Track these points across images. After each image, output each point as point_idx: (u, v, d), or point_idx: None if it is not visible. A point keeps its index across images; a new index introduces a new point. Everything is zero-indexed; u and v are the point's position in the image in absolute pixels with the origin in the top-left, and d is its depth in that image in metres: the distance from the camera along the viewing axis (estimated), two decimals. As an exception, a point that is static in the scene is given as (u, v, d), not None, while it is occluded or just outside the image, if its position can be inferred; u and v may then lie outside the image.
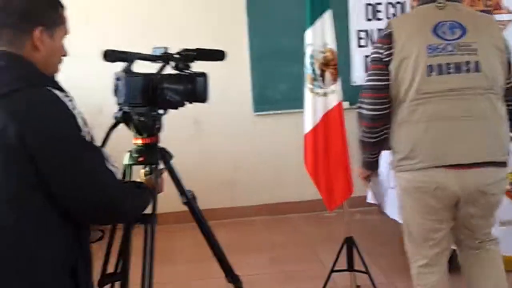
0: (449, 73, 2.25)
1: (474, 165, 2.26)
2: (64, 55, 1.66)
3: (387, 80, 2.31)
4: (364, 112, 2.39)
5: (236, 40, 4.79)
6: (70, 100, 1.51)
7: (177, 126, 4.90)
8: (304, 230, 4.63)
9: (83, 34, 4.19)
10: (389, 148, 2.49)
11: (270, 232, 4.64)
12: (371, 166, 2.63)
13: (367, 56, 4.92)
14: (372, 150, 2.52)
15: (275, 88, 4.91)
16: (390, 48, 2.30)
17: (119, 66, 1.89)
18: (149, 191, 1.85)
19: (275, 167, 4.98)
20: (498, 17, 4.97)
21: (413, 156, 2.30)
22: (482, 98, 2.27)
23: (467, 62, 2.25)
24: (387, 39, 2.32)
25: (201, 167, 4.90)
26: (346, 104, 4.74)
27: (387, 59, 2.30)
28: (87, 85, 4.17)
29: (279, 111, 4.93)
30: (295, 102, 4.34)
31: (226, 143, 4.94)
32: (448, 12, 2.32)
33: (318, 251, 4.08)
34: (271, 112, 4.96)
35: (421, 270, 2.47)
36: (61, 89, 1.52)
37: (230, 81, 4.85)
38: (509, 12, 5.01)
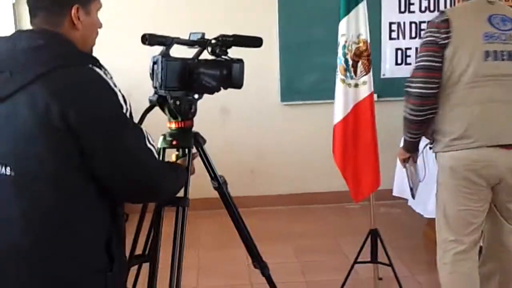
0: (503, 59, 2.41)
1: None
2: (100, 27, 1.67)
3: (441, 62, 2.42)
4: (414, 90, 2.46)
5: (266, 29, 4.75)
6: (111, 78, 1.53)
7: (203, 113, 4.97)
8: (328, 221, 4.63)
9: (114, 17, 4.22)
10: (431, 133, 2.59)
11: (294, 222, 4.65)
12: (412, 147, 2.73)
13: (398, 49, 4.89)
14: (416, 129, 2.58)
15: (304, 78, 4.89)
16: (447, 33, 2.41)
17: (150, 50, 1.90)
18: (184, 172, 1.86)
19: (301, 157, 4.97)
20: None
21: (468, 136, 2.42)
22: None
23: None
24: (444, 23, 2.43)
25: (227, 157, 4.91)
26: (375, 97, 4.80)
27: (443, 42, 2.42)
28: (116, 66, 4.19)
29: (307, 102, 4.91)
30: (323, 93, 4.36)
31: (252, 132, 4.95)
32: (497, 7, 2.51)
33: (341, 243, 4.08)
34: (298, 102, 4.95)
35: (457, 257, 2.53)
36: (101, 67, 1.54)
37: (259, 70, 4.80)
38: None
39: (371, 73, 3.16)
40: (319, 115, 4.60)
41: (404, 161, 2.85)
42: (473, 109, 2.41)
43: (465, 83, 2.40)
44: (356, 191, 3.21)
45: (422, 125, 2.55)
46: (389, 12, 4.84)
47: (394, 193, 3.86)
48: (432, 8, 4.85)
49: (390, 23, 4.87)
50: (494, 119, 2.42)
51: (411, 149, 2.74)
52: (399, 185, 3.79)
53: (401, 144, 2.84)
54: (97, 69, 1.51)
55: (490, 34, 2.41)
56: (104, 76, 1.51)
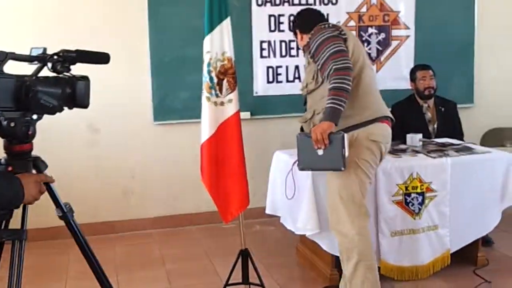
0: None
1: None
2: None
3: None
4: (344, 65, 2.79)
5: (137, 48, 4.64)
6: None
7: (71, 133, 4.75)
8: (202, 242, 4.52)
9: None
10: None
11: (167, 245, 4.49)
12: (339, 116, 2.78)
13: (269, 67, 4.94)
14: (347, 98, 2.78)
15: (176, 97, 4.77)
16: (342, 30, 3.02)
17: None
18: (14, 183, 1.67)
19: (173, 178, 4.85)
20: (395, 32, 5.16)
21: None
22: None
23: None
24: (337, 25, 3.11)
25: (96, 178, 4.69)
26: (247, 115, 4.81)
27: (343, 37, 3.00)
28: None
29: (180, 121, 4.80)
30: (196, 111, 4.26)
31: (124, 152, 4.75)
32: None
33: (216, 264, 3.99)
34: (172, 121, 4.82)
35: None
36: None
37: (131, 88, 4.69)
38: (406, 27, 5.19)
39: (236, 90, 3.13)
40: (193, 134, 4.48)
41: (327, 138, 2.77)
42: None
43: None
44: (225, 211, 3.15)
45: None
46: (260, 30, 4.88)
47: (267, 211, 3.83)
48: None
49: (261, 42, 4.90)
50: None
51: (338, 119, 2.79)
52: (272, 203, 3.78)
53: (324, 122, 2.77)
54: None
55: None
56: None
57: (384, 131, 3.06)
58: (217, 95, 3.09)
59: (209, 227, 4.71)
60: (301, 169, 2.93)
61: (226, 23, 3.11)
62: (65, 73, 1.83)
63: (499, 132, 4.97)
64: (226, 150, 3.10)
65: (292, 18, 3.39)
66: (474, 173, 3.61)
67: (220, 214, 3.15)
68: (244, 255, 3.16)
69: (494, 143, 4.74)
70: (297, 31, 3.31)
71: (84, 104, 1.87)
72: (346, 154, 2.78)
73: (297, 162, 2.94)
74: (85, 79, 1.86)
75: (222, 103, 3.10)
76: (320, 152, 2.78)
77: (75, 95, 1.83)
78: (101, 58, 1.91)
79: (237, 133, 3.12)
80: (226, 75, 3.10)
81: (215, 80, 3.08)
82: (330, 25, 3.04)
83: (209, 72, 3.08)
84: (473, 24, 5.34)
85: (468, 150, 3.75)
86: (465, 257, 3.77)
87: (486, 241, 4.06)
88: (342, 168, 2.79)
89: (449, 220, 3.56)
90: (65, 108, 1.84)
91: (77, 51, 1.84)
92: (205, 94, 3.10)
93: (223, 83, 3.10)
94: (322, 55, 2.88)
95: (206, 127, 3.09)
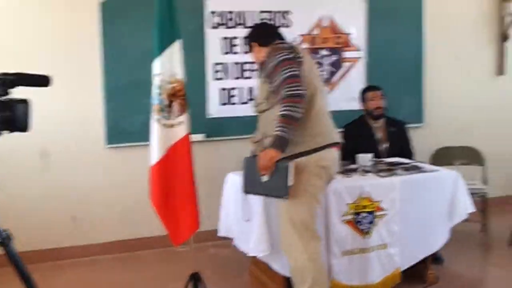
0: None
1: None
2: None
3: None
4: (297, 92, 2.75)
5: (90, 71, 4.58)
6: None
7: (21, 158, 4.65)
8: (156, 266, 4.46)
9: None
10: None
11: (120, 271, 4.40)
12: (286, 146, 2.78)
13: (223, 89, 4.96)
14: (296, 126, 2.78)
15: (130, 120, 4.73)
16: (299, 53, 2.96)
17: None
18: None
19: (126, 201, 4.78)
20: (347, 54, 5.26)
21: None
22: None
23: None
24: (294, 48, 2.99)
25: (46, 203, 4.59)
26: (201, 137, 4.81)
27: (300, 60, 2.95)
28: None
29: (134, 144, 4.75)
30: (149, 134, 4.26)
31: (75, 176, 4.66)
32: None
33: (170, 288, 3.94)
34: (125, 144, 4.77)
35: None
36: None
37: (83, 112, 4.62)
38: (357, 49, 5.30)
39: (187, 113, 3.13)
40: (146, 157, 4.47)
41: (273, 166, 2.80)
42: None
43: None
44: (175, 235, 3.13)
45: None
46: (213, 53, 4.90)
47: (220, 233, 3.81)
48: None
49: (215, 64, 4.92)
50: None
51: (286, 147, 2.78)
52: (225, 224, 3.77)
53: (271, 150, 2.77)
54: None
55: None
56: None
57: (334, 156, 3.08)
58: (167, 118, 3.08)
59: (162, 251, 4.64)
60: (245, 192, 2.96)
61: (177, 46, 3.13)
62: (3, 97, 1.81)
63: (447, 151, 5.09)
64: (176, 173, 3.09)
65: (247, 30, 3.31)
66: (422, 191, 3.68)
67: (170, 237, 3.13)
68: (195, 278, 3.13)
69: (443, 162, 4.86)
70: (254, 43, 3.24)
71: (24, 127, 1.84)
72: (291, 183, 2.80)
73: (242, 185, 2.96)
74: (24, 102, 1.84)
75: (172, 125, 3.10)
76: (265, 178, 2.81)
77: (14, 118, 1.81)
78: (41, 80, 1.90)
79: (187, 155, 3.12)
80: (176, 97, 3.11)
81: (165, 102, 3.09)
82: (287, 45, 2.99)
83: (159, 94, 3.09)
84: (422, 45, 5.50)
85: (416, 169, 3.82)
86: (415, 275, 3.82)
87: (436, 258, 4.13)
88: (285, 197, 2.82)
89: (398, 239, 3.61)
90: (4, 132, 1.81)
91: (16, 73, 1.82)
92: (155, 116, 3.09)
93: (174, 105, 3.10)
94: (276, 77, 2.85)
95: (155, 150, 3.08)
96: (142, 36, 4.58)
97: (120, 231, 4.81)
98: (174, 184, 3.09)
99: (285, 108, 2.74)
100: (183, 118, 3.12)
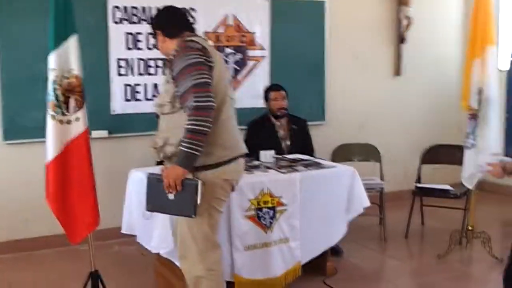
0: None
1: None
2: None
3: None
4: (205, 104, 2.56)
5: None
6: None
7: None
8: (55, 266, 4.33)
9: None
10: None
11: (15, 271, 4.24)
12: (195, 161, 2.63)
13: (127, 85, 4.88)
14: (204, 141, 2.59)
15: (29, 116, 4.56)
16: (210, 57, 2.73)
17: None
18: None
19: (23, 199, 4.60)
20: (252, 52, 5.34)
21: None
22: None
23: None
24: (204, 50, 2.73)
25: None
26: (105, 133, 4.72)
27: (210, 64, 2.72)
28: None
29: (33, 140, 4.58)
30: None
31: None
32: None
33: (70, 288, 3.84)
34: (23, 140, 4.59)
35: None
36: None
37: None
38: (262, 48, 5.39)
39: (84, 108, 3.07)
40: (44, 154, 4.32)
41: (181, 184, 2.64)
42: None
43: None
44: (73, 233, 3.06)
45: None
46: (117, 48, 4.81)
47: (123, 230, 3.76)
48: (159, 46, 4.95)
49: (118, 59, 4.83)
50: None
51: (193, 165, 2.63)
52: (128, 222, 3.72)
53: (178, 167, 2.61)
54: None
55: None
56: None
57: (238, 167, 2.94)
58: (63, 113, 3.00)
59: (64, 250, 4.49)
60: (149, 210, 2.82)
61: (73, 40, 3.05)
62: None
63: (347, 148, 5.29)
64: (73, 169, 3.02)
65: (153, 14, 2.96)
66: (321, 187, 3.81)
67: (67, 235, 3.06)
68: (94, 277, 3.07)
69: (342, 158, 5.05)
70: (158, 31, 2.93)
71: None
72: (199, 201, 2.65)
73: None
74: None
75: (69, 121, 3.02)
76: (171, 196, 2.64)
77: None
78: None
79: (85, 152, 3.06)
80: (73, 92, 3.03)
81: (61, 98, 3.00)
82: (198, 45, 2.70)
83: (55, 90, 3.00)
84: (324, 45, 5.67)
85: (316, 165, 3.95)
86: (316, 267, 3.95)
87: (336, 251, 4.29)
88: (193, 216, 2.66)
89: (299, 233, 3.72)
90: None
91: None
92: (50, 112, 3.00)
93: (70, 101, 3.02)
94: (183, 82, 2.61)
95: (51, 147, 2.99)
96: (39, 28, 4.42)
97: (19, 230, 4.63)
98: (71, 181, 3.01)
99: (193, 122, 2.54)
100: (80, 114, 3.05)
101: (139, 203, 3.41)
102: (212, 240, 2.88)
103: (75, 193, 3.02)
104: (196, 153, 2.58)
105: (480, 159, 3.49)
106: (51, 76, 3.00)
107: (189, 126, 2.55)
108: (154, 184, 2.71)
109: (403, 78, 6.19)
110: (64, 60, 3.01)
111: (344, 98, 5.85)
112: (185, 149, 2.57)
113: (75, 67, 3.05)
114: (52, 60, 3.00)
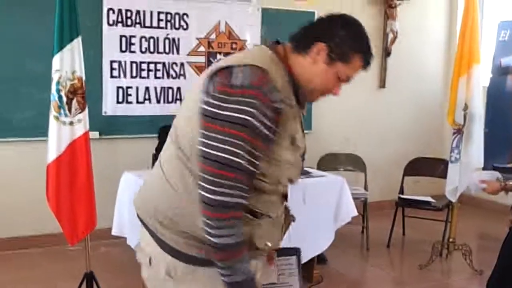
0: None
1: None
2: None
3: None
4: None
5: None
6: None
7: None
8: (45, 266, 4.32)
9: None
10: None
11: (5, 270, 4.22)
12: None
13: (119, 87, 4.91)
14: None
15: (19, 114, 4.56)
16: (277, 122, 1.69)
17: None
18: None
19: (12, 199, 4.58)
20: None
21: None
22: None
23: None
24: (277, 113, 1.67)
25: None
26: (96, 134, 4.74)
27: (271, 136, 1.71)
28: None
29: (21, 139, 4.58)
30: (39, 130, 4.12)
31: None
32: None
33: (60, 288, 3.86)
34: (11, 139, 4.59)
35: None
36: None
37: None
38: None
39: (86, 111, 3.11)
40: (35, 154, 4.33)
41: None
42: None
43: None
44: (71, 234, 3.09)
45: None
46: (110, 50, 4.85)
47: (114, 232, 3.79)
48: (152, 49, 5.00)
49: (111, 62, 4.86)
50: None
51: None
52: (119, 224, 3.76)
53: None
54: None
55: None
56: None
57: None
58: (66, 115, 3.04)
59: (53, 250, 4.50)
60: None
61: (77, 42, 3.09)
62: None
63: (333, 157, 5.39)
64: (74, 171, 3.06)
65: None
66: (311, 195, 3.88)
67: (66, 236, 3.08)
68: (89, 278, 3.11)
69: (328, 167, 5.14)
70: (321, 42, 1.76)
71: None
72: None
73: None
74: None
75: (71, 123, 3.06)
76: None
77: None
78: None
79: (86, 154, 3.10)
80: (75, 94, 3.07)
81: (64, 99, 3.04)
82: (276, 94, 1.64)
83: (58, 91, 3.04)
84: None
85: (305, 173, 4.04)
86: (302, 275, 4.02)
87: (321, 259, 4.38)
88: None
89: (289, 240, 3.77)
90: None
91: None
92: (53, 113, 3.04)
93: (73, 102, 3.06)
94: (210, 142, 1.60)
95: (53, 147, 3.03)
96: (34, 28, 4.46)
97: (6, 229, 4.61)
98: (72, 182, 3.05)
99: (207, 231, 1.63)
100: (82, 115, 3.09)
101: (130, 205, 3.44)
102: None
103: (76, 194, 3.06)
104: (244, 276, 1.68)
105: (474, 177, 3.59)
106: (55, 77, 3.03)
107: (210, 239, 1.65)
108: None
109: (387, 91, 6.32)
110: (68, 62, 3.05)
111: (331, 109, 5.95)
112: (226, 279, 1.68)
113: (79, 69, 3.09)
114: (56, 61, 3.04)
